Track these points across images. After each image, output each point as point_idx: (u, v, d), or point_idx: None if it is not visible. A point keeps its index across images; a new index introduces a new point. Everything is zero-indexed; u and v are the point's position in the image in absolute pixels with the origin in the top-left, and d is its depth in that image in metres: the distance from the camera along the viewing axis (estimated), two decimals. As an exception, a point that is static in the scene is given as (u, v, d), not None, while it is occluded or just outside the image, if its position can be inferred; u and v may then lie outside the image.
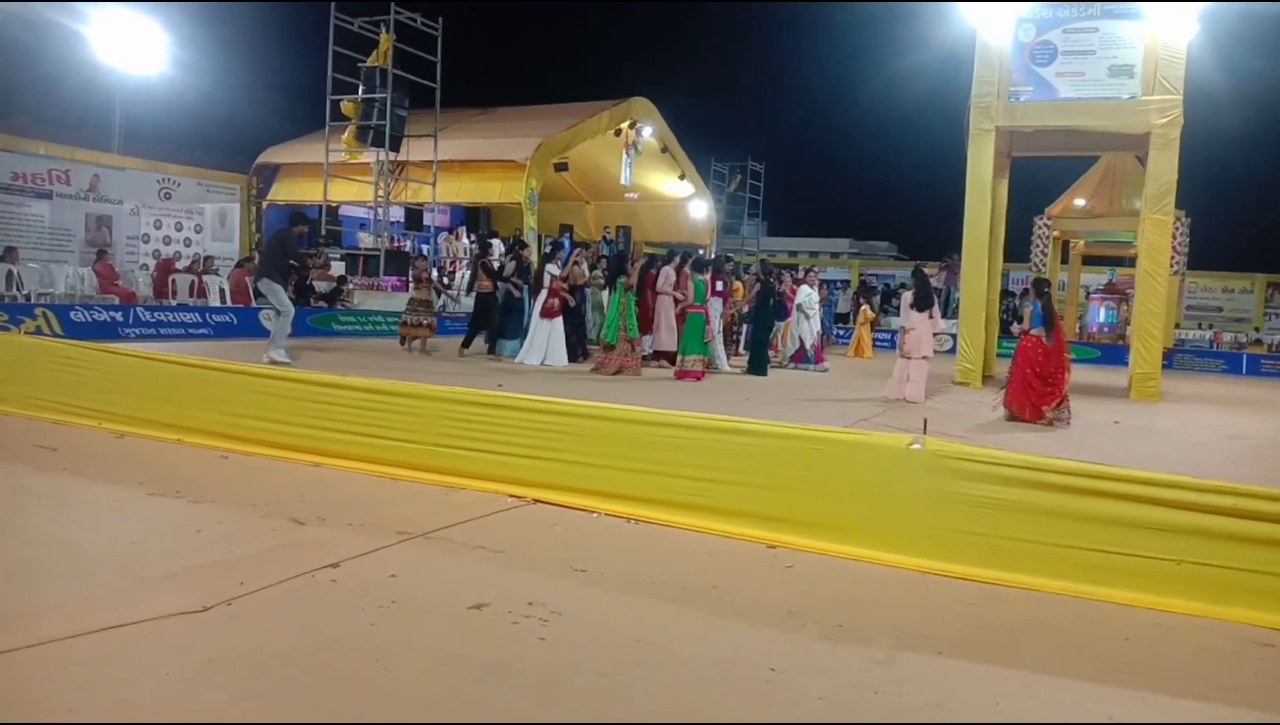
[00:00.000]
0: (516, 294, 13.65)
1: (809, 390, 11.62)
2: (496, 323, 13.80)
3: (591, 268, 15.21)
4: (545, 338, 12.75)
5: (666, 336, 13.49)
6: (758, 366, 13.60)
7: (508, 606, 3.49)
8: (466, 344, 13.95)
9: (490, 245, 17.22)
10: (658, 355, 13.57)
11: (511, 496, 5.21)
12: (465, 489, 5.35)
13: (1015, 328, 9.85)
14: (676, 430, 5.10)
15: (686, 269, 13.15)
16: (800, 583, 4.08)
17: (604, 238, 26.03)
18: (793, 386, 12.01)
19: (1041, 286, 10.04)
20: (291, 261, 11.83)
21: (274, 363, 9.81)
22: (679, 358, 12.31)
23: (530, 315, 13.22)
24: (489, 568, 4.04)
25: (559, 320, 12.82)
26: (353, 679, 2.84)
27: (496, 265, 14.54)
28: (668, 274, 13.48)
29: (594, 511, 5.01)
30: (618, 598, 3.76)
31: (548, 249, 14.40)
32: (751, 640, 3.35)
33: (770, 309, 14.12)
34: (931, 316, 10.89)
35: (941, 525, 4.34)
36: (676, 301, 13.26)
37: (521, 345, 13.10)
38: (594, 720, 2.66)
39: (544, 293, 12.78)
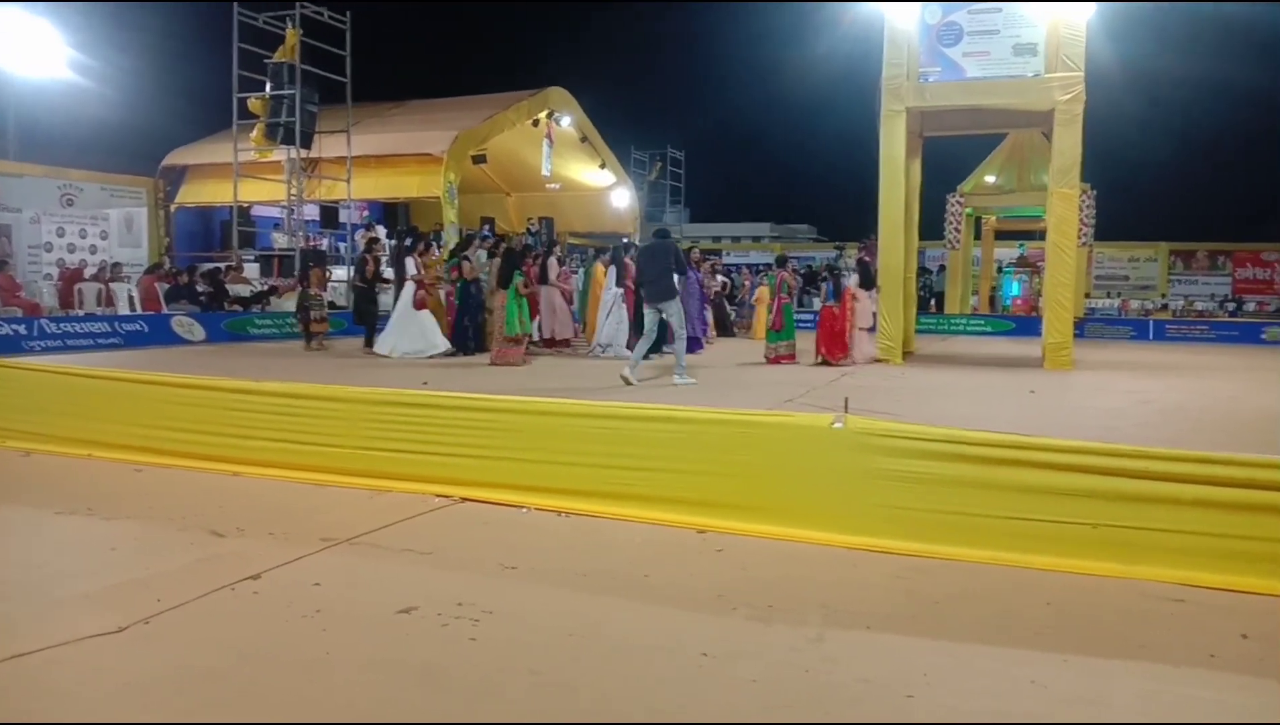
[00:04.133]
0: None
1: (731, 373, 11.70)
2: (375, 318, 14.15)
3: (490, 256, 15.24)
4: (420, 328, 13.10)
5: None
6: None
7: (437, 609, 3.44)
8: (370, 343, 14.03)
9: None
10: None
11: (439, 496, 5.15)
12: (391, 492, 5.26)
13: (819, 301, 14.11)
14: (603, 421, 5.10)
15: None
16: (731, 566, 4.11)
17: (481, 227, 24.79)
18: (716, 369, 12.07)
19: (834, 271, 14.03)
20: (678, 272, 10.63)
21: (682, 382, 9.72)
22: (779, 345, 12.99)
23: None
24: (417, 570, 3.99)
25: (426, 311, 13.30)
26: (279, 693, 2.78)
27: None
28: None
29: (523, 507, 4.97)
30: (549, 593, 3.74)
31: (408, 242, 14.57)
32: (684, 627, 3.37)
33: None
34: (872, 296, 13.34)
35: (867, 501, 4.42)
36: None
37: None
38: (528, 720, 2.64)
39: (410, 286, 13.11)
